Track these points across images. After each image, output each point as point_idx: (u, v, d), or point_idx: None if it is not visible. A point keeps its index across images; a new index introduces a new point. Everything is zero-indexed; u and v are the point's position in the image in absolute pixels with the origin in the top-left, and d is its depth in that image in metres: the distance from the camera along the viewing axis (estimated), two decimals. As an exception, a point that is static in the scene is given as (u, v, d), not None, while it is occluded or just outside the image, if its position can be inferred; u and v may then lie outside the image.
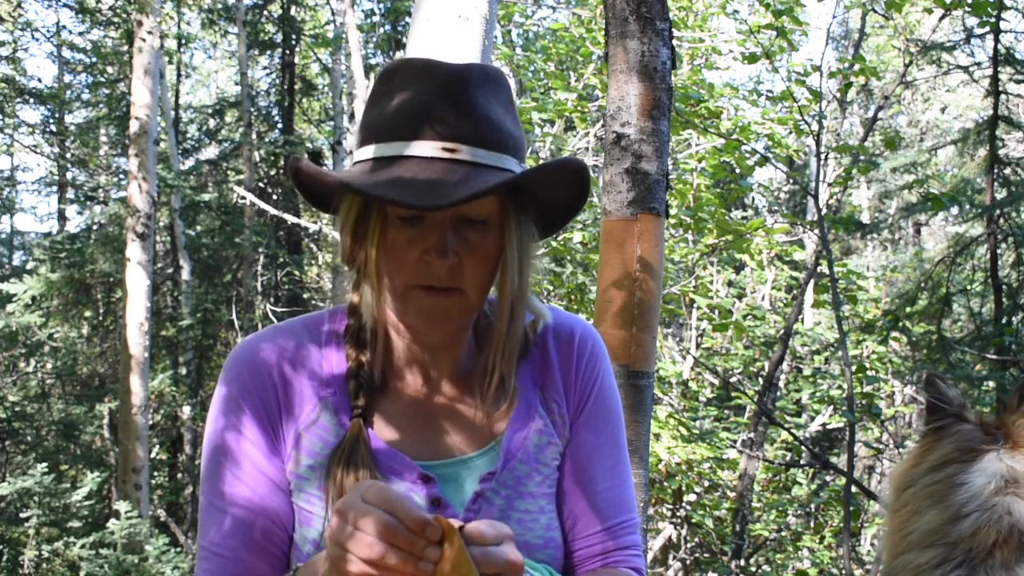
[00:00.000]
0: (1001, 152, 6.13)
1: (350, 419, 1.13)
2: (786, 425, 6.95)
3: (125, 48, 11.65)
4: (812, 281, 7.62)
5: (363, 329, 1.16)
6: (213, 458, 1.13)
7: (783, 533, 8.02)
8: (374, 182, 1.04)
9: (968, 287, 6.55)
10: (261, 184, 13.09)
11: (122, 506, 7.63)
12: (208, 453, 1.14)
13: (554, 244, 7.02)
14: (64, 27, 14.02)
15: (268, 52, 14.22)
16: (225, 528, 1.11)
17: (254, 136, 12.83)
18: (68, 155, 13.64)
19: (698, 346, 8.79)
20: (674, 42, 2.45)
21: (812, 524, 8.34)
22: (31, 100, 12.22)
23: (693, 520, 6.89)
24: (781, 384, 8.63)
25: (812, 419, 9.08)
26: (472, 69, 1.11)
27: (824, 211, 5.63)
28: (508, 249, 1.10)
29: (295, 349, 1.16)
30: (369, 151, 1.09)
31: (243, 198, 10.77)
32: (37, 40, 22.58)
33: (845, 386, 5.71)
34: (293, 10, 13.58)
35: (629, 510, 1.22)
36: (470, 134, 1.06)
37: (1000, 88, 5.91)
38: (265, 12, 13.39)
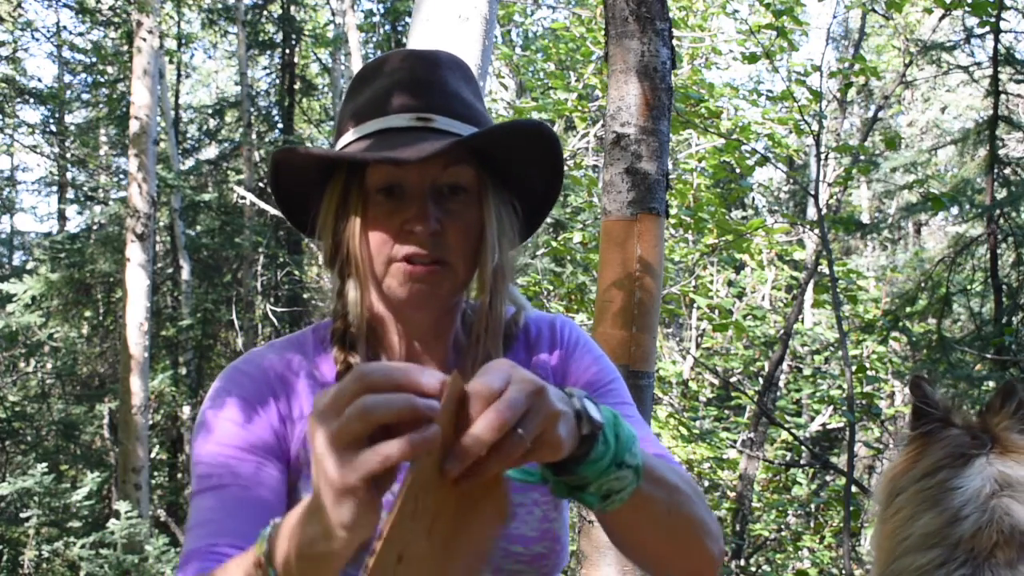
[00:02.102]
0: (1001, 152, 6.12)
1: None
2: (786, 425, 6.95)
3: (125, 48, 11.65)
4: (812, 281, 7.62)
5: (350, 327, 1.15)
6: (207, 464, 1.07)
7: (783, 533, 8.02)
8: (352, 152, 1.07)
9: (968, 287, 6.54)
10: (261, 184, 13.08)
11: (122, 506, 7.63)
12: (202, 459, 1.08)
13: (554, 244, 7.02)
14: (64, 27, 14.04)
15: (268, 52, 14.22)
16: (212, 504, 1.04)
17: (254, 136, 12.83)
18: (68, 155, 13.64)
19: (698, 346, 8.79)
20: (674, 42, 2.45)
21: (812, 524, 8.35)
22: (31, 100, 12.22)
23: (693, 520, 6.88)
24: (781, 384, 8.63)
25: (812, 419, 9.08)
26: (440, 54, 1.15)
27: (824, 211, 5.63)
28: (487, 218, 1.10)
29: (290, 360, 1.16)
30: (347, 136, 1.12)
31: (243, 198, 10.78)
32: (37, 40, 22.61)
33: (845, 386, 5.71)
34: (293, 10, 13.58)
35: (646, 433, 1.13)
36: (442, 106, 1.10)
37: (1000, 88, 5.91)
38: (265, 12, 13.38)
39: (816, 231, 6.13)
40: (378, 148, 1.07)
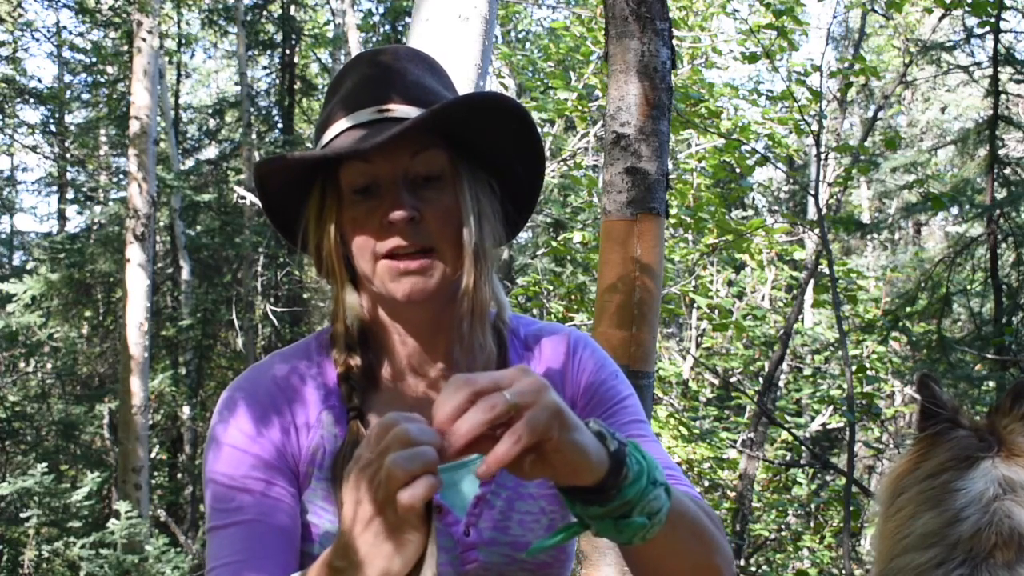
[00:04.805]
0: (1001, 152, 6.12)
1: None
2: (786, 425, 6.95)
3: (125, 48, 11.65)
4: (812, 281, 7.62)
5: (349, 331, 1.15)
6: (223, 486, 1.08)
7: (783, 533, 8.03)
8: (310, 153, 1.08)
9: (968, 287, 6.55)
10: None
11: (122, 506, 7.63)
12: (216, 479, 1.09)
13: (554, 244, 7.03)
14: (64, 27, 14.04)
15: (268, 52, 14.20)
16: (234, 542, 1.06)
17: (254, 136, 12.82)
18: (68, 155, 13.64)
19: (698, 346, 8.80)
20: (674, 42, 2.45)
21: (812, 524, 8.35)
22: (31, 100, 12.22)
23: (693, 520, 6.87)
24: (781, 384, 8.64)
25: (812, 419, 9.09)
26: (401, 48, 1.17)
27: (824, 211, 5.63)
28: (461, 199, 1.10)
29: (295, 369, 1.16)
30: (323, 140, 1.13)
31: (243, 198, 10.76)
32: (37, 40, 22.61)
33: (845, 386, 5.71)
34: (293, 10, 13.57)
35: (664, 462, 1.14)
36: (403, 95, 1.10)
37: (1000, 88, 5.91)
38: (265, 12, 13.37)
39: (816, 231, 6.13)
40: (336, 143, 1.08)
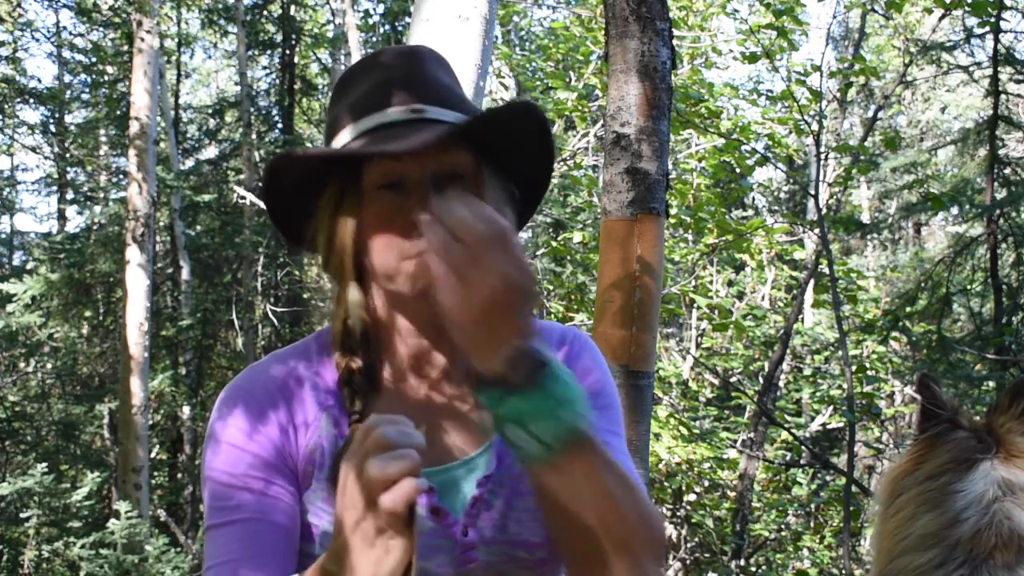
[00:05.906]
0: (1001, 152, 6.13)
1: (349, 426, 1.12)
2: (786, 425, 6.95)
3: (125, 48, 11.65)
4: (812, 281, 7.62)
5: (351, 334, 1.14)
6: (221, 484, 1.09)
7: (783, 533, 8.02)
8: (350, 149, 1.08)
9: (968, 287, 6.55)
10: (261, 184, 13.03)
11: (122, 506, 7.63)
12: (215, 476, 1.09)
13: (554, 244, 7.03)
14: (64, 27, 14.06)
15: (268, 52, 14.21)
16: (232, 541, 1.06)
17: (254, 136, 12.82)
18: (68, 155, 13.64)
19: (698, 346, 8.80)
20: (674, 42, 2.45)
21: (812, 524, 8.34)
22: (31, 100, 12.23)
23: (693, 520, 6.89)
24: (781, 384, 8.63)
25: (812, 419, 9.08)
26: (423, 48, 1.18)
27: (824, 211, 5.63)
28: (484, 198, 1.10)
29: (293, 369, 1.15)
30: (343, 136, 1.12)
31: (243, 198, 10.77)
32: (37, 40, 22.61)
33: (845, 386, 5.71)
34: (293, 10, 13.57)
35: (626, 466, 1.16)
36: (433, 96, 1.11)
37: (1000, 88, 5.92)
38: (265, 12, 13.37)
39: (816, 231, 6.13)
40: (375, 144, 1.08)
